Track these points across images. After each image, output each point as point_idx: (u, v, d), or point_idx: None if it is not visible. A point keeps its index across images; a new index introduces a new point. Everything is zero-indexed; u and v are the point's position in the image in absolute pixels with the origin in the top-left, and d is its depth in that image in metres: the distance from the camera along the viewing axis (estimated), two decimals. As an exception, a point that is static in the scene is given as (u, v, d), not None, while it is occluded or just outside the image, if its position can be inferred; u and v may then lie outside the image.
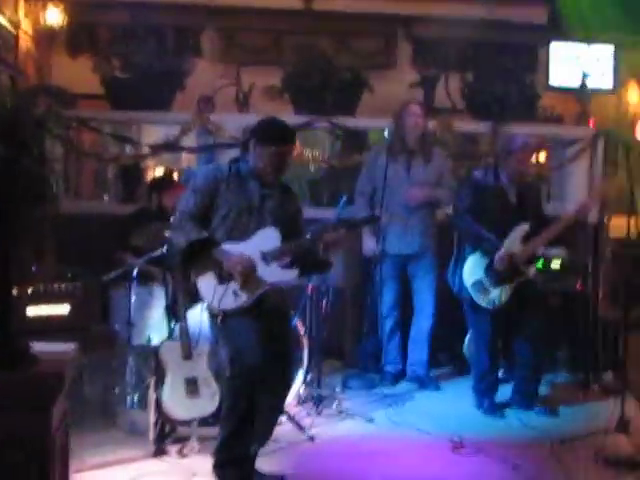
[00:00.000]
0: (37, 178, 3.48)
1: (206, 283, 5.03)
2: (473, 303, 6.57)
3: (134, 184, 8.04)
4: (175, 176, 9.05)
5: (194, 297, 6.09)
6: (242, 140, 6.21)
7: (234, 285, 4.98)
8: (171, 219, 5.35)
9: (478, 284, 6.48)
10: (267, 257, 5.04)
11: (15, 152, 3.43)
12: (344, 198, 6.43)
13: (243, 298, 4.99)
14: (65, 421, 3.87)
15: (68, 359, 3.77)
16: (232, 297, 4.98)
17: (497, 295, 6.46)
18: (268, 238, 5.08)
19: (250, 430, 4.95)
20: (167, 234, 5.19)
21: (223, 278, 4.98)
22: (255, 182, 5.13)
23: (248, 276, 4.98)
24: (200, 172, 5.34)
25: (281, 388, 5.35)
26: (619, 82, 11.00)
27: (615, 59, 10.76)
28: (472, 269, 6.52)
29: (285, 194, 5.29)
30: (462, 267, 6.59)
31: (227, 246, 5.00)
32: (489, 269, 6.46)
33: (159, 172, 9.32)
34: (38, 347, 3.69)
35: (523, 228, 6.47)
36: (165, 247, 6.10)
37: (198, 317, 5.90)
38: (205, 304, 5.10)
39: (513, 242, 6.46)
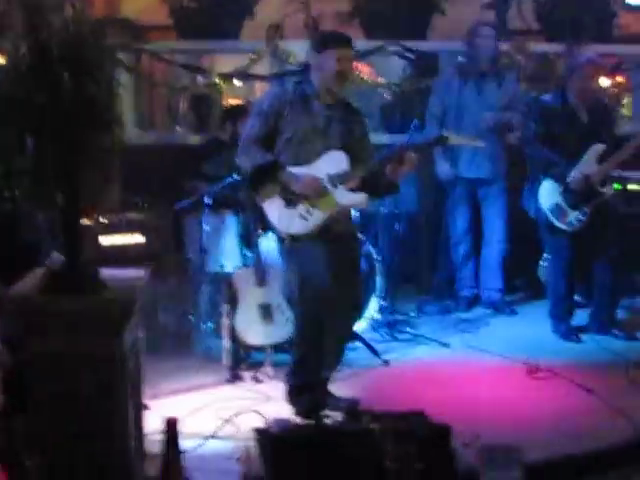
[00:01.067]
0: (103, 106, 3.46)
1: (273, 207, 4.98)
2: (551, 227, 6.46)
3: (206, 114, 8.00)
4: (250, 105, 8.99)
5: (267, 224, 6.16)
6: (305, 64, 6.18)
7: (302, 209, 4.94)
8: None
9: (556, 207, 6.37)
10: (334, 180, 4.97)
11: (80, 79, 3.42)
12: (415, 122, 6.36)
13: (312, 221, 4.95)
14: (137, 347, 3.93)
15: (138, 285, 3.81)
16: (300, 221, 4.94)
17: (575, 217, 6.35)
18: (335, 161, 5.01)
19: (319, 355, 4.95)
20: (236, 160, 5.15)
21: (290, 202, 4.94)
22: (319, 103, 5.06)
23: (317, 198, 4.94)
24: (264, 95, 5.34)
25: (352, 313, 5.34)
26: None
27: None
28: (548, 193, 6.41)
29: (351, 115, 5.21)
30: (537, 191, 6.48)
31: (294, 169, 4.96)
32: (565, 191, 6.34)
33: (233, 102, 9.26)
34: (108, 273, 3.74)
35: (598, 148, 6.33)
36: (237, 174, 6.13)
37: (271, 244, 5.98)
38: (273, 229, 5.10)
39: (588, 163, 6.33)
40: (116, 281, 3.71)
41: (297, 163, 4.98)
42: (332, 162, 5.01)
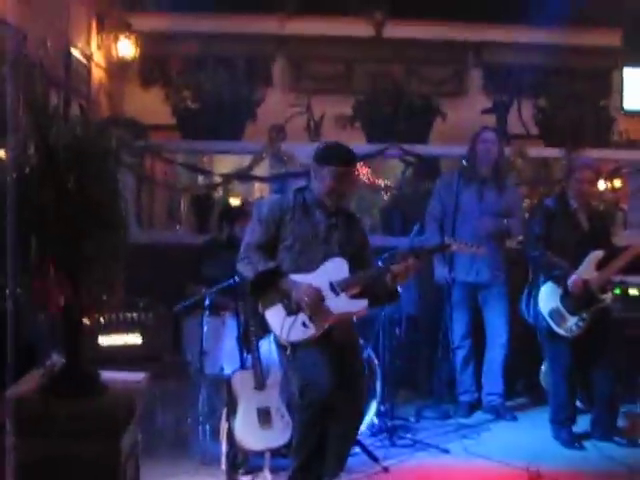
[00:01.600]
0: (108, 207, 3.46)
1: (274, 315, 4.98)
2: (550, 332, 6.42)
3: (206, 214, 8.04)
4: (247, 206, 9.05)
5: (265, 327, 6.11)
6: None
7: (303, 316, 4.93)
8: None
9: (555, 312, 6.34)
10: (336, 288, 4.98)
11: (85, 182, 3.43)
12: (417, 227, 6.40)
13: (312, 329, 4.93)
14: (136, 451, 3.86)
15: (139, 389, 3.76)
16: (301, 328, 4.92)
17: (574, 323, 6.32)
18: (336, 268, 5.03)
19: (320, 462, 4.89)
20: (237, 267, 5.15)
21: (291, 309, 4.93)
22: (320, 211, 5.10)
23: (317, 307, 4.92)
24: (265, 202, 5.33)
25: (353, 418, 5.27)
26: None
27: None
28: (548, 297, 6.39)
29: (351, 222, 5.25)
30: (536, 296, 6.46)
31: (295, 277, 4.96)
32: (565, 296, 6.33)
33: (232, 202, 9.32)
34: (109, 376, 3.69)
35: (597, 254, 6.34)
36: (236, 277, 6.11)
37: (270, 347, 5.93)
38: (273, 336, 5.08)
39: (587, 269, 6.33)
40: (116, 384, 3.66)
41: (298, 270, 4.99)
42: (333, 269, 5.03)
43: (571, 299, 6.31)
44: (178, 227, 9.25)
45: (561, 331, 6.35)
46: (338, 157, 5.05)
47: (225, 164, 8.83)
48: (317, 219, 5.09)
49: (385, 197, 9.00)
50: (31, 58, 5.55)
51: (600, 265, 6.35)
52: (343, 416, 4.97)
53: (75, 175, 3.43)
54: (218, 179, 8.07)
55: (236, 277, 6.03)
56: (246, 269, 5.00)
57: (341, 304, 5.00)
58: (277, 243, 5.05)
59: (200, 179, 8.33)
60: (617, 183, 8.66)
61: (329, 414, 4.82)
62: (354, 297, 5.04)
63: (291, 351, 4.93)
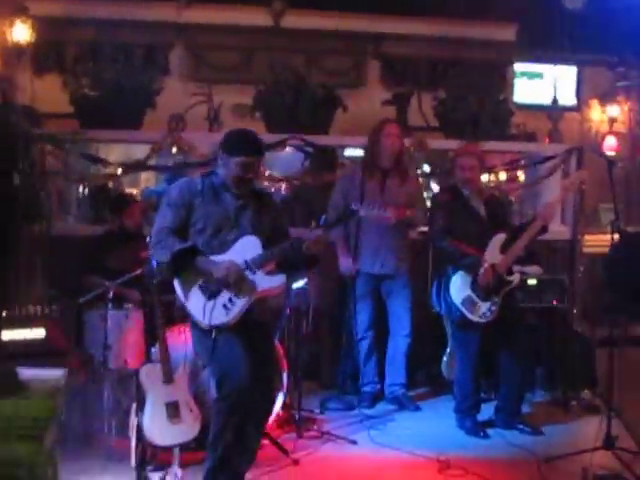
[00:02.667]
0: (29, 198, 3.33)
1: (194, 300, 4.91)
2: (462, 321, 6.49)
3: (102, 205, 7.83)
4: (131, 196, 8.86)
5: (171, 318, 6.02)
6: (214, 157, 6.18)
7: (223, 298, 4.89)
8: (147, 239, 5.26)
9: (467, 300, 6.42)
10: (251, 265, 4.95)
11: (7, 167, 3.30)
12: (323, 217, 6.37)
13: (234, 310, 4.89)
14: (56, 450, 3.74)
15: (58, 386, 3.64)
16: (223, 311, 4.88)
17: (487, 308, 6.40)
18: (249, 247, 5.00)
19: (240, 457, 4.83)
20: (149, 252, 5.04)
21: (211, 292, 4.88)
22: (229, 194, 5.07)
23: (241, 281, 4.88)
24: (174, 186, 5.20)
25: (265, 409, 5.26)
26: (582, 100, 11.14)
27: (578, 78, 10.92)
28: (459, 287, 6.46)
29: (261, 200, 5.24)
30: (447, 287, 6.52)
31: (212, 258, 4.90)
32: (476, 283, 6.41)
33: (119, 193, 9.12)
34: (26, 373, 3.56)
35: (500, 238, 6.44)
36: (142, 269, 6.01)
37: (177, 339, 5.84)
38: (192, 323, 5.01)
39: (492, 253, 6.42)
40: (34, 381, 3.54)
41: (211, 253, 4.94)
42: (247, 248, 5.00)
43: (482, 285, 6.39)
44: (70, 218, 8.98)
45: (475, 318, 6.43)
46: (246, 148, 5.01)
47: (116, 154, 8.65)
48: (226, 202, 5.06)
49: (283, 190, 8.95)
50: None
51: (503, 247, 6.45)
52: (257, 406, 4.93)
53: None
54: (116, 169, 7.87)
55: (142, 269, 5.96)
56: (161, 253, 4.91)
57: (260, 281, 4.97)
58: (188, 227, 4.99)
59: (93, 169, 8.09)
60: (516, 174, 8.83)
61: (248, 401, 4.76)
62: (271, 273, 5.02)
63: (215, 335, 4.84)
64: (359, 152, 8.78)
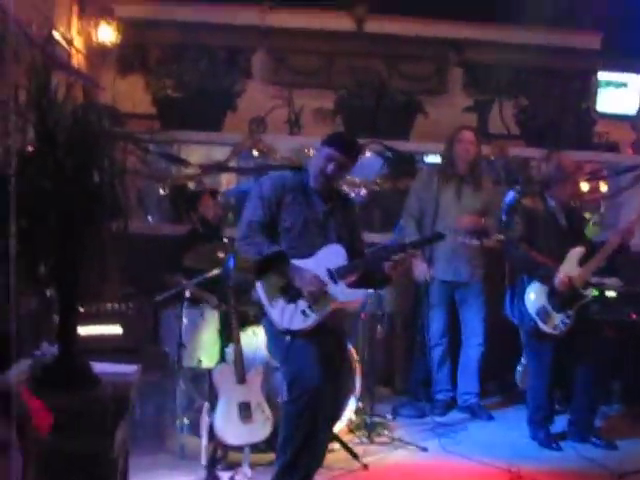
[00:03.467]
0: (108, 195, 3.37)
1: (274, 301, 4.90)
2: (536, 332, 6.43)
3: (181, 205, 7.92)
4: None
5: (246, 320, 6.06)
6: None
7: (303, 304, 4.87)
8: (223, 239, 5.30)
9: (542, 310, 6.35)
10: (334, 275, 4.93)
11: (86, 167, 3.34)
12: (400, 223, 6.39)
13: (312, 318, 4.88)
14: (127, 445, 3.78)
15: (131, 381, 3.68)
16: (301, 317, 4.86)
17: (561, 320, 6.34)
18: (334, 255, 4.98)
19: (309, 459, 4.82)
20: (236, 245, 5.03)
21: (292, 296, 4.87)
22: (318, 197, 5.06)
23: (320, 295, 4.88)
24: (267, 179, 5.17)
25: (335, 412, 5.26)
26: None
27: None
28: (534, 297, 6.39)
29: (346, 206, 5.25)
30: (521, 297, 6.47)
31: (295, 262, 4.89)
32: (551, 295, 6.34)
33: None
34: (99, 367, 3.61)
35: (579, 251, 6.37)
36: (218, 269, 6.07)
37: (252, 340, 5.87)
38: (267, 324, 5.02)
39: (570, 265, 6.35)
40: (107, 376, 3.58)
41: (296, 254, 4.92)
42: (331, 256, 4.98)
43: (557, 297, 6.32)
44: (150, 218, 9.10)
45: (548, 329, 6.36)
46: (343, 145, 5.01)
47: (197, 156, 8.73)
48: (315, 203, 5.04)
49: (362, 194, 8.94)
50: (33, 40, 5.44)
51: (581, 261, 6.37)
52: (327, 405, 4.92)
53: (75, 161, 3.33)
54: (196, 170, 7.95)
55: (218, 269, 6.01)
56: (248, 249, 4.91)
57: (341, 292, 4.95)
58: (277, 223, 4.97)
59: (174, 170, 8.20)
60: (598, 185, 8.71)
61: (318, 405, 4.76)
62: (351, 286, 5.01)
63: (290, 339, 4.85)
64: (438, 159, 8.80)
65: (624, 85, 10.46)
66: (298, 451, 4.78)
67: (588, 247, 6.44)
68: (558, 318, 6.34)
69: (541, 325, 6.36)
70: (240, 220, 5.13)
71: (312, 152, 7.76)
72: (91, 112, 3.39)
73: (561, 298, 6.32)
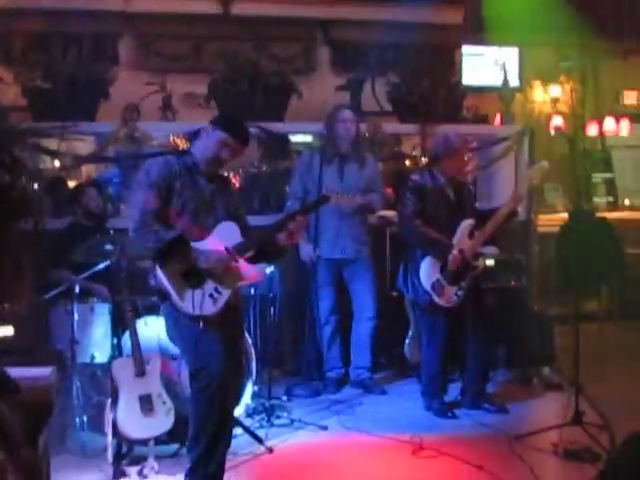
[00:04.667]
0: (18, 194, 3.28)
1: (179, 288, 4.80)
2: (431, 306, 6.56)
3: (60, 198, 7.71)
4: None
5: (137, 311, 5.99)
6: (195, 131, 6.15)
7: (210, 286, 4.83)
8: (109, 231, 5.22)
9: (436, 284, 6.48)
10: (233, 253, 4.88)
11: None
12: (288, 204, 6.45)
13: (222, 299, 4.85)
14: (48, 449, 3.70)
15: (50, 384, 3.60)
16: (210, 300, 4.82)
17: (454, 292, 6.49)
18: (228, 233, 4.95)
19: (225, 444, 4.83)
20: (132, 236, 4.92)
21: (197, 281, 4.81)
22: (202, 177, 5.01)
23: (227, 272, 4.85)
24: (152, 165, 5.02)
25: (236, 397, 5.28)
26: (524, 81, 11.25)
27: (520, 60, 11.04)
28: (428, 271, 6.51)
29: (226, 185, 5.26)
30: (416, 271, 6.57)
31: (195, 245, 4.84)
32: (444, 268, 6.47)
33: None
34: (15, 373, 3.51)
35: (469, 223, 6.53)
36: (107, 261, 5.99)
37: (147, 331, 5.82)
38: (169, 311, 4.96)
39: (461, 238, 6.50)
40: (25, 381, 3.49)
41: (191, 238, 4.86)
42: (227, 235, 4.95)
43: (450, 270, 6.46)
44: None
45: (442, 302, 6.50)
46: (236, 131, 5.00)
47: (74, 146, 8.50)
48: (201, 184, 4.99)
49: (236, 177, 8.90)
50: None
51: (471, 233, 6.52)
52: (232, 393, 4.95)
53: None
54: (70, 161, 7.74)
55: (107, 261, 5.94)
56: (147, 238, 4.79)
57: (243, 270, 4.95)
58: (168, 208, 4.89)
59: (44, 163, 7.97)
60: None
61: (226, 394, 4.76)
62: (250, 262, 5.01)
63: (203, 325, 4.81)
64: (307, 138, 8.86)
65: (484, 58, 10.73)
66: (212, 440, 4.77)
67: (477, 218, 6.60)
68: (452, 291, 6.49)
69: (436, 299, 6.50)
70: (131, 210, 5.05)
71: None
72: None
73: (454, 271, 6.47)
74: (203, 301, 4.79)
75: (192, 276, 4.81)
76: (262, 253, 5.08)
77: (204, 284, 4.82)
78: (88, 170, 9.16)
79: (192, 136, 5.29)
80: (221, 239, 4.92)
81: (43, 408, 3.34)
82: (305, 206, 5.47)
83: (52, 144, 7.56)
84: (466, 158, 7.02)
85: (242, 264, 4.96)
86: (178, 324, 4.93)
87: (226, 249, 4.88)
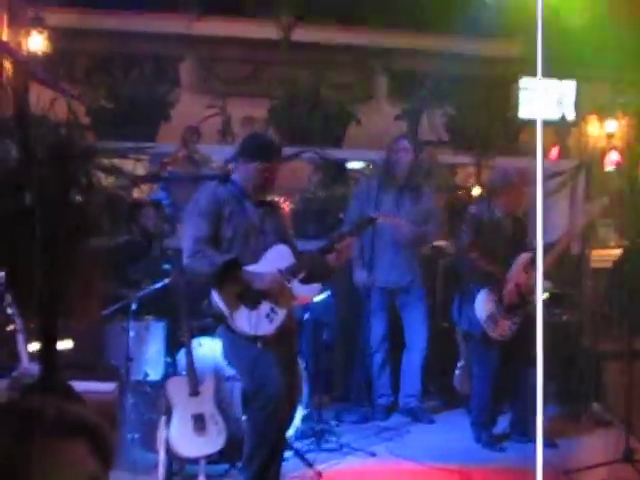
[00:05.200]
0: (89, 214, 3.36)
1: (235, 310, 4.91)
2: (484, 338, 6.56)
3: (119, 216, 7.81)
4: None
5: (193, 331, 6.05)
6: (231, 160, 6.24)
7: (266, 307, 4.92)
8: (167, 250, 5.29)
9: (491, 317, 6.48)
10: (286, 275, 4.99)
11: (66, 184, 3.32)
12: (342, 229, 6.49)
13: (277, 319, 4.94)
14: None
15: (112, 399, 3.66)
16: (266, 320, 4.91)
17: (508, 327, 6.49)
18: (281, 256, 5.06)
19: (278, 467, 4.87)
20: (186, 263, 5.01)
21: (253, 302, 4.89)
22: (249, 202, 5.10)
23: (282, 292, 4.94)
24: (201, 195, 5.18)
25: (291, 418, 5.32)
26: (580, 115, 11.21)
27: (577, 93, 11.00)
28: (484, 304, 6.51)
29: (275, 209, 5.33)
30: (469, 303, 6.58)
31: (249, 268, 4.93)
32: (499, 301, 6.48)
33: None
34: (80, 387, 3.58)
35: (525, 257, 6.52)
36: (164, 280, 6.06)
37: (202, 350, 5.87)
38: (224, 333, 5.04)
39: (517, 272, 6.49)
40: (89, 395, 3.55)
41: (243, 263, 4.94)
42: (278, 257, 5.05)
43: (505, 304, 6.47)
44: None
45: (496, 335, 6.50)
46: (264, 153, 5.09)
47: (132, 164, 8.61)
48: (249, 209, 5.09)
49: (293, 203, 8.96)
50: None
51: (526, 268, 6.52)
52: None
53: (56, 177, 3.31)
54: (128, 180, 7.85)
55: (166, 280, 6.01)
56: (201, 263, 4.91)
57: (297, 290, 5.04)
58: (219, 236, 5.00)
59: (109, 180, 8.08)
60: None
61: (283, 417, 4.81)
62: (303, 282, 5.09)
63: (260, 346, 4.87)
64: (360, 164, 8.91)
65: (544, 92, 10.69)
66: (266, 462, 4.81)
67: (533, 254, 6.60)
68: (507, 324, 6.49)
69: (490, 331, 6.50)
70: (184, 239, 5.14)
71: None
72: (74, 129, 3.36)
73: (509, 305, 6.47)
74: (259, 321, 4.88)
75: (247, 297, 4.89)
76: (313, 274, 5.14)
77: (259, 305, 4.89)
78: (139, 190, 9.27)
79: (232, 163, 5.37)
80: (274, 261, 5.01)
81: (110, 423, 3.39)
82: (352, 227, 5.53)
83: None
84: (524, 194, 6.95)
85: (295, 285, 5.02)
86: (235, 345, 5.01)
87: (279, 271, 4.95)
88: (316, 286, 5.19)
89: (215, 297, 4.95)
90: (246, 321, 4.88)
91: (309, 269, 5.11)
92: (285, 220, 5.46)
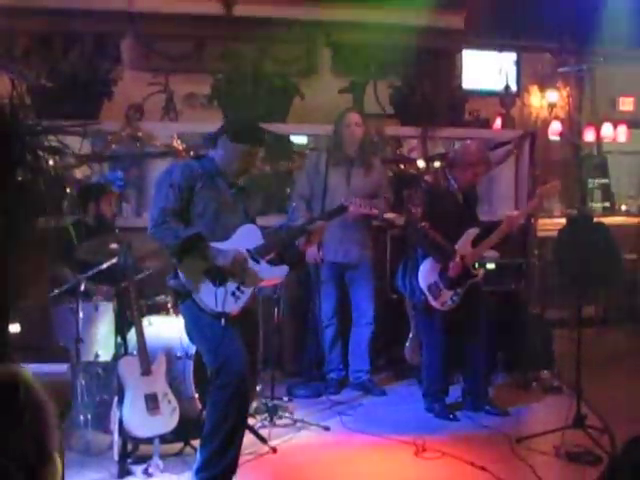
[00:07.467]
0: (36, 194, 3.30)
1: (202, 286, 4.88)
2: (426, 306, 6.60)
3: (61, 196, 7.70)
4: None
5: (143, 310, 6.00)
6: (208, 136, 6.17)
7: (232, 285, 4.89)
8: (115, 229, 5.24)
9: (433, 286, 6.52)
10: (254, 255, 4.98)
11: (10, 164, 3.26)
12: (293, 204, 6.46)
13: (243, 298, 4.92)
14: (62, 447, 3.70)
15: (65, 381, 3.61)
16: (232, 298, 4.88)
17: (450, 297, 6.54)
18: (249, 235, 5.05)
19: (239, 444, 4.86)
20: (150, 232, 4.96)
21: (220, 279, 4.86)
22: (223, 181, 5.08)
23: (247, 272, 4.91)
24: (175, 168, 5.14)
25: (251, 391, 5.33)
26: (522, 86, 11.33)
27: (518, 65, 11.11)
28: (427, 272, 6.55)
29: (245, 191, 5.29)
30: (414, 271, 6.61)
31: (216, 244, 4.90)
32: (443, 272, 6.51)
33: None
34: (31, 369, 3.51)
35: (473, 232, 6.56)
36: (113, 259, 5.97)
37: (148, 331, 5.82)
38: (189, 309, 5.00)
39: (463, 245, 6.53)
40: (42, 377, 3.49)
41: (212, 239, 4.91)
42: (248, 237, 5.04)
43: (449, 275, 6.50)
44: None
45: (437, 304, 6.54)
46: (254, 138, 5.08)
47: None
48: (222, 187, 5.07)
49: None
50: None
51: (474, 241, 6.56)
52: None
53: (2, 157, 3.24)
54: (72, 160, 7.74)
55: (114, 259, 5.92)
56: (166, 234, 4.87)
57: (264, 271, 5.02)
58: (189, 209, 4.97)
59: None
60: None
61: (246, 393, 4.80)
62: (271, 263, 5.08)
63: (225, 323, 4.83)
64: (303, 139, 8.90)
65: (485, 63, 10.79)
66: (228, 438, 4.79)
67: (481, 228, 6.64)
68: (448, 295, 6.54)
69: (431, 300, 6.54)
70: (151, 208, 5.09)
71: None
72: (18, 107, 3.29)
73: (453, 277, 6.51)
74: (226, 299, 4.84)
75: (214, 274, 4.86)
76: (282, 256, 5.16)
77: (226, 282, 4.87)
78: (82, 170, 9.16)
79: (207, 141, 5.31)
80: (242, 240, 5.00)
81: (62, 405, 3.34)
82: (325, 213, 5.54)
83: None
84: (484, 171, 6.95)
85: (264, 266, 5.02)
86: (199, 323, 4.98)
87: (247, 250, 4.94)
88: (284, 268, 5.16)
89: (180, 272, 4.92)
90: (212, 297, 4.85)
91: (278, 251, 5.12)
92: (250, 201, 5.41)
